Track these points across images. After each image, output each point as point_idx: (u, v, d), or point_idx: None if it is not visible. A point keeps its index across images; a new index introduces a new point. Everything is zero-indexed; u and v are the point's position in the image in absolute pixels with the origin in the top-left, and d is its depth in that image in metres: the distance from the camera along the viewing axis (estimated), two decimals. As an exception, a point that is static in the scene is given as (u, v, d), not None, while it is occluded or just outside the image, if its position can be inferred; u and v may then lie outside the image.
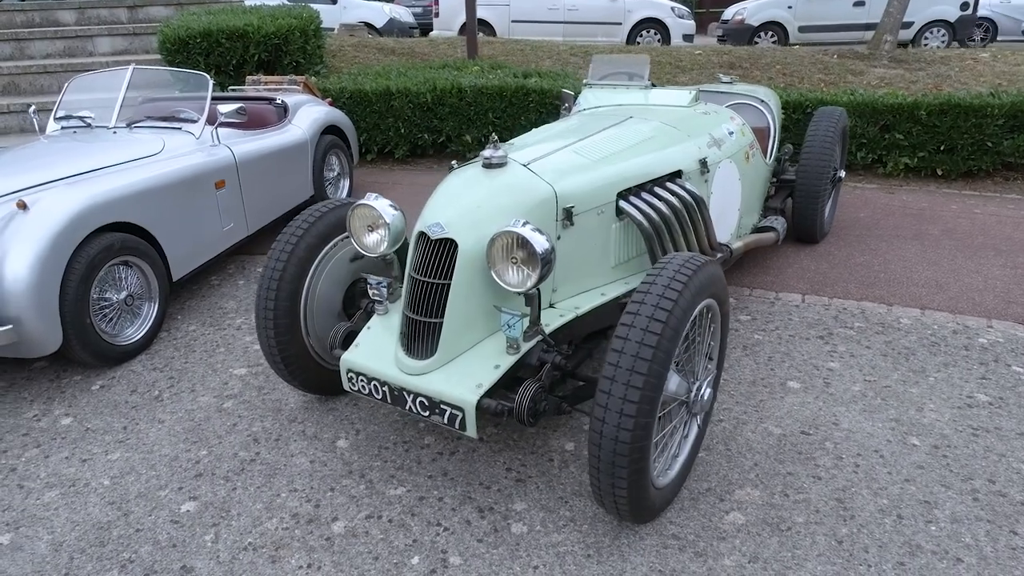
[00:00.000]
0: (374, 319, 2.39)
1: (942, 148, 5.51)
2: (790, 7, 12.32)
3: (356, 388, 2.26)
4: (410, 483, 2.36)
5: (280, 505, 2.27)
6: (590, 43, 10.17)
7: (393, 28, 12.32)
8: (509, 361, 2.11)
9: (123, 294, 3.16)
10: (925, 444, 2.53)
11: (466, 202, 2.20)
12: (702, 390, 2.13)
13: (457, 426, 2.07)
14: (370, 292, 2.39)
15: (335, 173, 5.04)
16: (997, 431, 2.60)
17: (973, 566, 2.00)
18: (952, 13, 12.20)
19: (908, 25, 12.40)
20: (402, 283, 2.48)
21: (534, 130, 3.04)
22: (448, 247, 2.13)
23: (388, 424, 2.68)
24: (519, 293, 2.07)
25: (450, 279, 2.12)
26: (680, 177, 2.89)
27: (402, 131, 6.19)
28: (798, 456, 2.48)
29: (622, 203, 2.57)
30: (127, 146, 3.51)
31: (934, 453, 2.48)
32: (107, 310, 3.10)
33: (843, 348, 3.19)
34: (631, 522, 2.12)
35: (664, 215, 2.65)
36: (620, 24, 12.46)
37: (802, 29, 12.34)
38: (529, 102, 6.02)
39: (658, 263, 2.00)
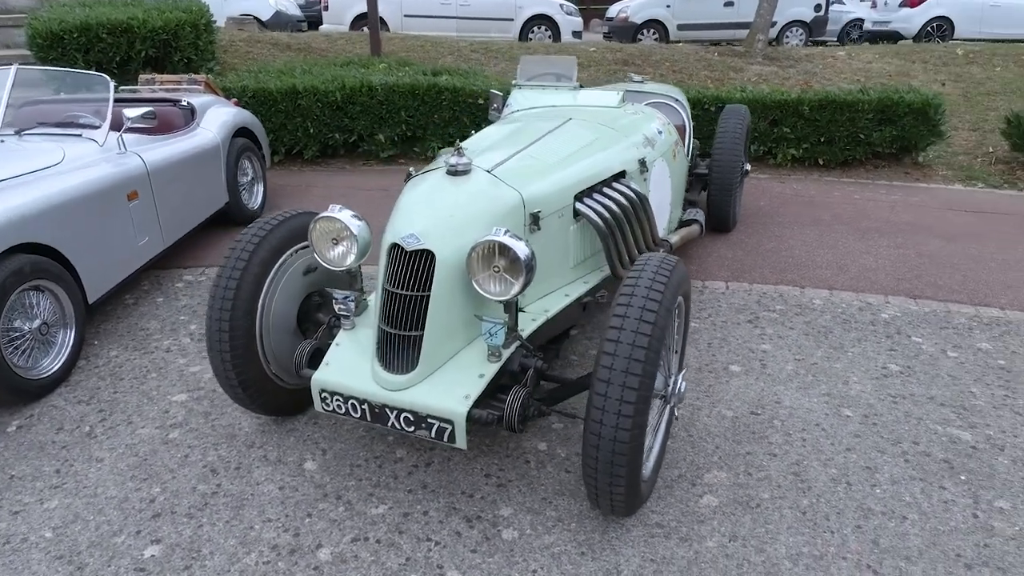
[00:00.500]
0: (341, 335, 2.28)
1: (822, 140, 5.97)
2: (668, 6, 12.87)
3: (331, 408, 2.16)
4: (391, 500, 2.29)
5: (256, 538, 2.14)
6: (490, 40, 10.16)
7: (280, 21, 11.76)
8: (492, 369, 2.09)
9: (36, 322, 2.84)
10: (856, 415, 2.75)
11: (438, 211, 2.14)
12: (678, 383, 2.20)
13: (446, 439, 2.02)
14: (336, 307, 2.29)
15: (248, 178, 4.76)
16: (912, 397, 2.87)
17: (917, 522, 2.20)
18: (808, 14, 13.22)
19: (772, 24, 13.32)
20: (365, 296, 2.38)
21: (480, 133, 3.01)
22: (424, 258, 2.07)
23: (355, 440, 2.58)
24: (500, 301, 2.05)
25: (429, 291, 2.07)
26: (624, 177, 2.96)
27: (311, 131, 5.94)
28: (752, 436, 2.62)
29: (579, 205, 2.60)
30: (22, 157, 3.14)
31: (865, 422, 2.70)
32: (19, 341, 2.78)
33: (771, 331, 3.40)
34: (622, 516, 2.17)
35: (616, 214, 2.71)
36: (512, 20, 12.53)
37: (680, 27, 12.93)
38: (442, 100, 5.94)
39: (635, 265, 2.04)
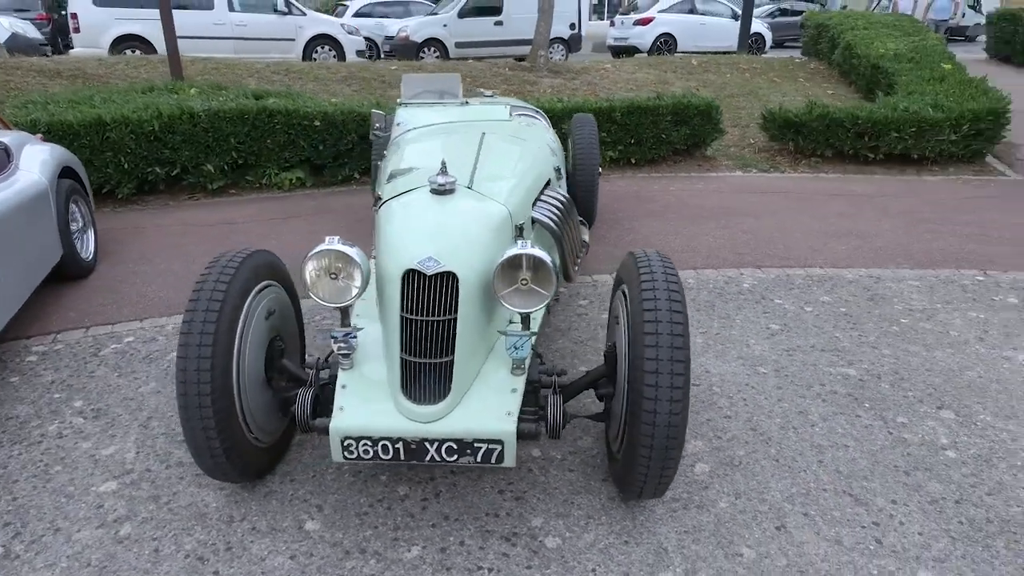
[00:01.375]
0: (344, 376, 2.06)
1: (632, 141, 6.59)
2: (445, 25, 13.21)
3: (355, 455, 1.95)
4: (419, 539, 2.12)
5: (293, 616, 1.86)
6: (281, 60, 9.58)
7: (18, 45, 9.93)
8: (522, 382, 2.05)
9: None
10: (769, 371, 3.13)
11: (447, 232, 2.05)
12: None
13: (494, 460, 1.95)
14: (335, 347, 2.06)
15: (80, 225, 4.00)
16: (799, 348, 3.34)
17: (856, 447, 2.58)
18: (566, 32, 14.45)
19: (538, 40, 14.32)
20: (351, 331, 2.17)
21: (409, 150, 2.88)
22: (445, 281, 1.96)
23: (347, 487, 2.34)
24: (526, 314, 2.01)
25: (454, 314, 1.96)
26: (549, 185, 3.04)
27: (125, 166, 5.14)
28: (704, 404, 2.86)
29: (534, 213, 2.63)
30: None
31: (779, 375, 3.09)
32: None
33: (670, 311, 3.71)
34: (658, 497, 2.23)
35: (561, 220, 2.78)
36: (293, 40, 11.94)
37: (458, 45, 13.34)
38: (275, 124, 5.51)
39: (639, 262, 2.12)
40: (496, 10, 13.45)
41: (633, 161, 6.74)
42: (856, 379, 3.06)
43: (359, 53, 12.53)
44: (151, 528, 2.16)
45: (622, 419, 2.06)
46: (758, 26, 16.61)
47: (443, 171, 2.20)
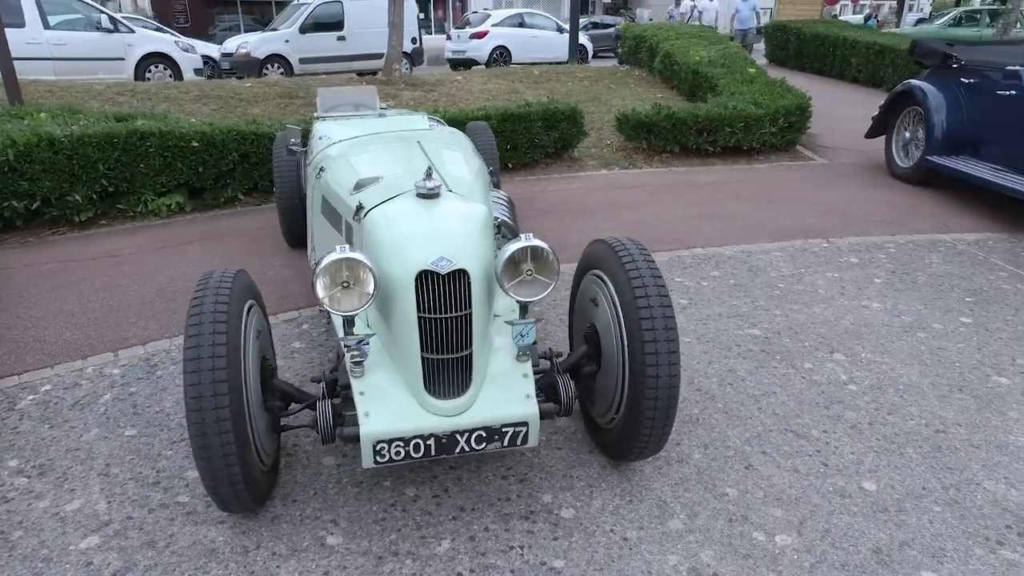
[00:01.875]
0: (359, 383, 2.04)
1: (509, 147, 6.84)
2: (287, 41, 12.71)
3: (386, 459, 1.96)
4: (446, 533, 2.16)
5: (350, 625, 1.82)
6: (125, 81, 8.70)
7: None
8: (529, 367, 2.16)
9: None
10: (692, 338, 3.48)
11: (449, 232, 2.10)
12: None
13: (519, 442, 2.04)
14: (349, 356, 2.03)
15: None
16: (710, 317, 3.73)
17: (780, 392, 2.97)
18: (408, 45, 14.46)
19: (380, 56, 14.22)
20: (363, 338, 2.14)
21: (352, 162, 2.85)
22: (458, 278, 2.02)
23: (353, 498, 2.30)
24: (527, 303, 2.12)
25: (469, 308, 2.03)
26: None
27: (-27, 204, 4.46)
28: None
29: (495, 212, 2.73)
30: None
31: (701, 341, 3.45)
32: None
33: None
34: (654, 455, 2.41)
35: (514, 217, 2.91)
36: (123, 59, 10.87)
37: (302, 61, 12.89)
38: (148, 148, 5.06)
39: (616, 248, 2.29)
40: (338, 25, 13.18)
41: (510, 166, 6.98)
42: (762, 337, 3.49)
43: (197, 71, 11.70)
44: (159, 574, 1.99)
45: (619, 390, 2.22)
46: (582, 39, 17.74)
47: (428, 176, 2.24)
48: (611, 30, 21.21)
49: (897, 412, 2.81)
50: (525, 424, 2.02)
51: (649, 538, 2.14)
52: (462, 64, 16.19)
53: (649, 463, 2.49)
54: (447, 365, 2.03)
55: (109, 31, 10.87)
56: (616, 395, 2.25)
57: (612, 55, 19.66)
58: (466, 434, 1.99)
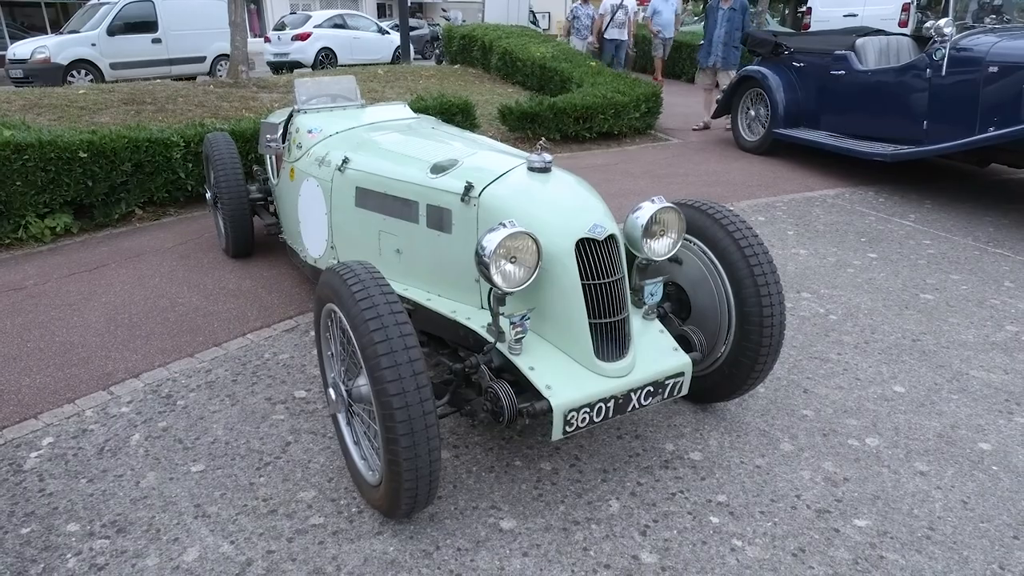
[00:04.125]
0: (524, 359, 1.97)
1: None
2: (94, 44, 11.00)
3: (574, 426, 1.93)
4: (608, 494, 2.17)
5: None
6: None
7: None
8: (658, 323, 2.23)
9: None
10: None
11: (585, 201, 2.10)
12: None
13: (676, 392, 2.12)
14: (513, 332, 1.95)
15: None
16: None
17: (799, 323, 3.34)
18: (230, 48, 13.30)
19: (202, 59, 12.90)
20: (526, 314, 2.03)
21: (395, 150, 2.68)
22: (609, 244, 2.03)
23: (497, 483, 2.22)
24: (655, 261, 2.20)
25: (621, 272, 2.05)
26: None
27: None
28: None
29: None
30: None
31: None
32: None
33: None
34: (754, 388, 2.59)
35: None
36: None
37: (114, 66, 11.26)
38: (26, 162, 4.18)
39: (710, 210, 2.40)
40: (151, 26, 11.69)
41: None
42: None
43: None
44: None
45: (725, 336, 2.37)
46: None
47: (539, 150, 2.20)
48: (424, 32, 21.26)
49: (877, 331, 3.31)
50: (681, 374, 2.10)
51: (775, 462, 2.33)
52: (284, 67, 15.23)
53: (732, 403, 2.68)
54: (610, 329, 2.03)
55: None
56: (721, 341, 2.39)
57: (421, 56, 19.71)
58: (638, 392, 2.02)
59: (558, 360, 2.01)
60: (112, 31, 11.15)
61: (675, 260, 2.50)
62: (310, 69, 15.10)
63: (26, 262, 4.17)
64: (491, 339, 2.03)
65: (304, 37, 15.58)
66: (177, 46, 11.99)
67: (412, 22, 26.68)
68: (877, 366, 2.96)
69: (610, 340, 2.04)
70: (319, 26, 15.73)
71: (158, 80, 9.53)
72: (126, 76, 11.24)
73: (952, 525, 2.04)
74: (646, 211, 2.14)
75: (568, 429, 1.92)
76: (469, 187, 2.21)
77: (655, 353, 2.11)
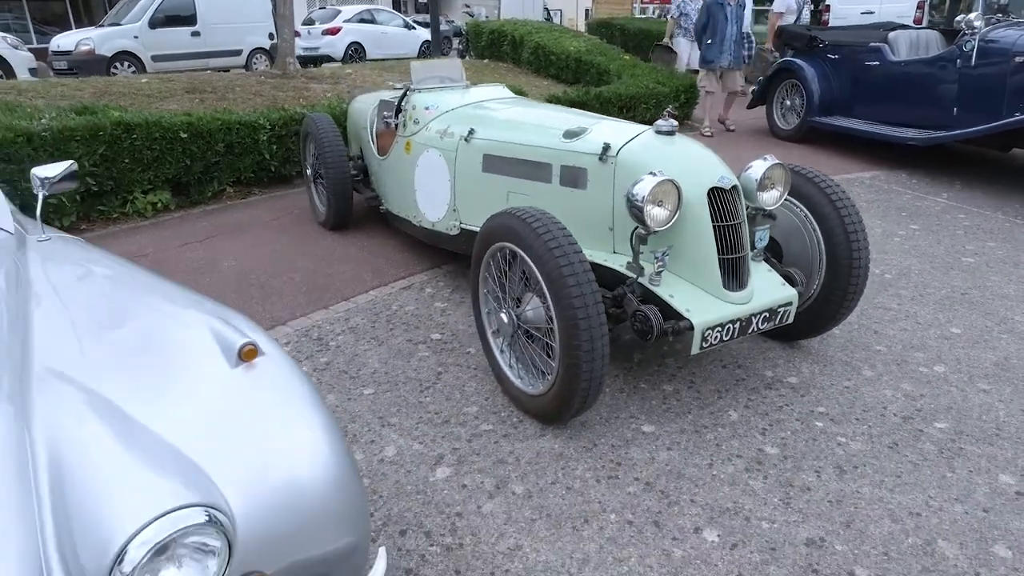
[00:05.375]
0: (664, 289, 2.39)
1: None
2: (136, 37, 11.40)
3: (708, 343, 2.34)
4: (725, 407, 2.59)
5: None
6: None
7: None
8: (765, 264, 2.65)
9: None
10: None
11: (710, 158, 2.51)
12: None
13: (785, 320, 2.53)
14: (656, 266, 2.37)
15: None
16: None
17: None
18: (266, 42, 13.70)
19: (238, 52, 13.31)
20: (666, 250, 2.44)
21: (519, 121, 3.12)
22: (733, 193, 2.44)
23: (628, 402, 2.62)
24: (765, 210, 2.60)
25: (742, 217, 2.46)
26: None
27: None
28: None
29: None
30: None
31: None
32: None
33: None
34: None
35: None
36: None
37: (155, 58, 11.66)
38: (135, 141, 4.59)
39: (812, 176, 2.80)
40: (190, 20, 12.10)
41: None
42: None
43: (32, 71, 10.12)
44: (536, 479, 2.18)
45: (818, 278, 2.77)
46: (427, 35, 17.97)
47: (665, 117, 2.61)
48: (445, 28, 21.61)
49: (928, 286, 3.72)
50: (790, 304, 2.52)
51: (860, 384, 2.75)
52: (313, 61, 15.62)
53: (815, 341, 3.09)
54: (733, 264, 2.45)
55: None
56: (812, 283, 2.80)
57: (440, 52, 20.08)
58: (757, 316, 2.43)
59: (692, 290, 2.42)
60: (153, 24, 11.55)
61: (770, 216, 2.91)
62: (339, 63, 15.47)
63: (136, 234, 4.58)
64: (632, 275, 2.44)
65: (334, 32, 15.97)
66: (214, 39, 12.40)
67: (426, 17, 27.02)
68: (934, 313, 3.38)
69: (733, 274, 2.45)
70: (348, 21, 16.12)
71: (208, 71, 9.93)
72: (166, 68, 11.63)
73: (1015, 427, 2.46)
74: (759, 167, 2.55)
75: (704, 345, 2.33)
76: (607, 147, 2.62)
77: (768, 287, 2.53)
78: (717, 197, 2.43)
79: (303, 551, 1.26)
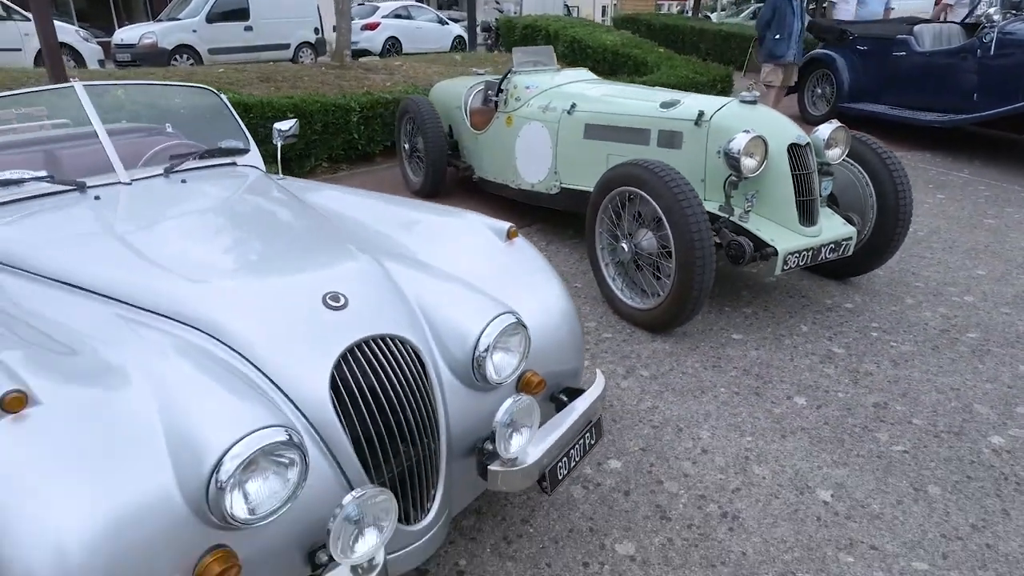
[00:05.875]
0: (750, 225, 3.02)
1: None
2: (195, 31, 12.08)
3: (788, 267, 2.96)
4: (800, 323, 3.20)
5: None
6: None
7: None
8: (828, 209, 3.27)
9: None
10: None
11: (783, 121, 3.14)
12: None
13: (846, 252, 3.15)
14: (745, 206, 3.00)
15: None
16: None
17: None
18: (311, 36, 14.37)
19: (286, 46, 13.99)
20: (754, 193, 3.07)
21: (618, 94, 3.75)
22: (806, 148, 3.07)
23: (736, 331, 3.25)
24: (829, 164, 3.22)
25: (814, 168, 3.09)
26: None
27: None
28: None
29: None
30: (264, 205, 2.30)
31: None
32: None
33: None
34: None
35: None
36: (20, 50, 9.81)
37: (211, 51, 12.33)
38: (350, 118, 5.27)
39: (871, 143, 3.45)
40: (244, 14, 12.77)
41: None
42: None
43: (100, 62, 10.83)
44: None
45: (869, 224, 3.39)
46: (458, 30, 18.60)
47: (749, 90, 3.23)
48: (483, 22, 22.24)
49: (956, 241, 4.31)
50: (850, 238, 3.14)
51: (904, 308, 3.37)
52: (353, 55, 16.28)
53: (863, 278, 3.70)
54: (807, 205, 3.07)
55: (2, 19, 9.76)
56: (864, 228, 3.41)
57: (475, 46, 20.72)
58: (825, 247, 3.05)
59: (773, 225, 3.05)
60: (211, 18, 12.23)
61: (829, 173, 3.52)
62: (378, 57, 16.13)
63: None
64: (724, 214, 3.07)
65: (373, 27, 16.62)
66: (265, 33, 13.07)
67: (456, 14, 27.69)
68: (962, 260, 3.98)
69: (806, 213, 3.07)
70: (386, 16, 16.77)
71: (271, 63, 10.60)
72: (222, 61, 12.30)
73: (1033, 338, 3.08)
74: (825, 129, 3.16)
75: (785, 267, 2.95)
76: (701, 114, 3.24)
77: (832, 225, 3.15)
78: (794, 151, 3.05)
79: (554, 364, 1.91)
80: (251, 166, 2.65)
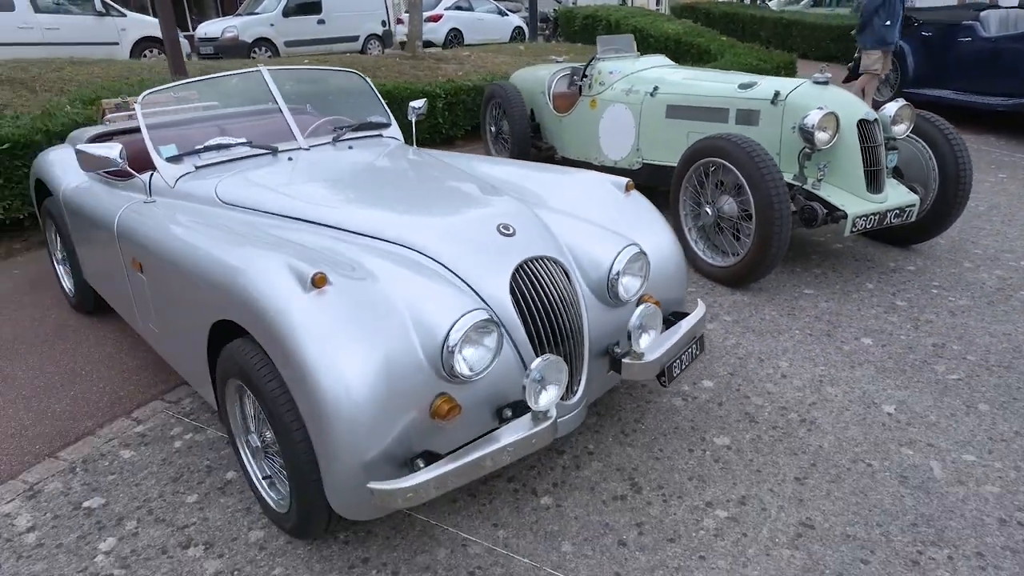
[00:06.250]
0: (823, 191, 3.41)
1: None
2: (272, 25, 12.88)
3: (858, 229, 3.35)
4: (837, 285, 3.59)
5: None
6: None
7: None
8: (894, 179, 3.63)
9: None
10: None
11: (853, 100, 3.53)
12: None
13: (910, 218, 3.52)
14: (818, 175, 3.40)
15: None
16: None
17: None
18: (379, 29, 15.06)
19: (356, 38, 14.72)
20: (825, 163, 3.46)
21: (698, 78, 4.16)
22: (875, 123, 3.44)
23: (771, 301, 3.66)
24: (895, 138, 3.57)
25: (881, 141, 3.46)
26: None
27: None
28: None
29: None
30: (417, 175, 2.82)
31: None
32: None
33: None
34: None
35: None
36: (117, 44, 10.73)
37: (288, 44, 13.11)
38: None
39: (938, 123, 3.80)
40: (316, 8, 13.52)
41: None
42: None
43: (187, 56, 11.68)
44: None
45: (931, 195, 3.73)
46: (518, 21, 19.08)
47: (821, 72, 3.62)
48: (527, 15, 22.66)
49: (1015, 216, 4.60)
50: (913, 206, 3.50)
51: (963, 272, 3.71)
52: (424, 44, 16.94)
53: (924, 245, 4.03)
54: (874, 175, 3.46)
55: (101, 15, 10.67)
56: (926, 199, 3.75)
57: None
58: (890, 212, 3.43)
59: (843, 193, 3.44)
60: (287, 12, 13.01)
61: (894, 147, 3.86)
62: (441, 48, 16.75)
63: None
64: (798, 183, 3.47)
65: (436, 19, 17.25)
66: (336, 26, 13.80)
67: (512, 4, 28.15)
68: (1019, 231, 4.28)
69: (873, 181, 3.45)
70: (448, 8, 17.38)
71: (348, 54, 11.28)
72: (296, 53, 13.07)
73: (1086, 297, 3.39)
74: (892, 107, 3.53)
75: (854, 230, 3.34)
76: (778, 93, 3.64)
77: (897, 193, 3.52)
78: (863, 126, 3.43)
79: (665, 291, 2.38)
80: (393, 138, 3.18)
